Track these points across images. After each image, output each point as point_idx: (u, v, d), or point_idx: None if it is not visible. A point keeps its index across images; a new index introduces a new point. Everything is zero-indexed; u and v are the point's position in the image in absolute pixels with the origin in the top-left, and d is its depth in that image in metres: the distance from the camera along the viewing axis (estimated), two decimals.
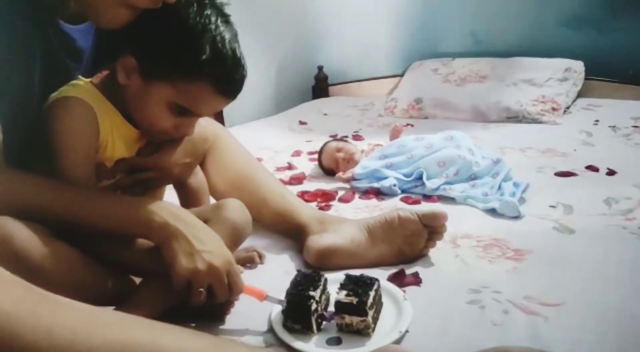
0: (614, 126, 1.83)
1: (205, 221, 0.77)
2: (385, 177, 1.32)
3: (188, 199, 0.94)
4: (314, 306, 0.74)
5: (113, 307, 0.73)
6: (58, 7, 0.74)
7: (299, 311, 0.74)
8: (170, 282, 0.72)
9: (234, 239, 0.84)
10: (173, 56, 0.73)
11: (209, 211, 0.85)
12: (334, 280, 0.82)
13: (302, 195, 1.29)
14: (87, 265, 0.72)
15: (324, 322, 0.77)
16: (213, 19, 0.74)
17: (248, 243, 1.01)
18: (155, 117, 0.77)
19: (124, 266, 0.77)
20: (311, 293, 0.75)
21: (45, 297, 0.51)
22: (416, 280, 0.87)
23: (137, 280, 0.79)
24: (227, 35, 0.75)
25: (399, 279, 0.87)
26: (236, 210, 0.85)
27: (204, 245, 0.72)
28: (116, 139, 0.79)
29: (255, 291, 0.78)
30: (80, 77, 0.79)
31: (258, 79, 2.45)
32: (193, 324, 0.77)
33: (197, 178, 0.95)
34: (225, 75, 0.75)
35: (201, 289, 0.72)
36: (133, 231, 0.74)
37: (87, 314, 0.51)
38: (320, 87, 2.75)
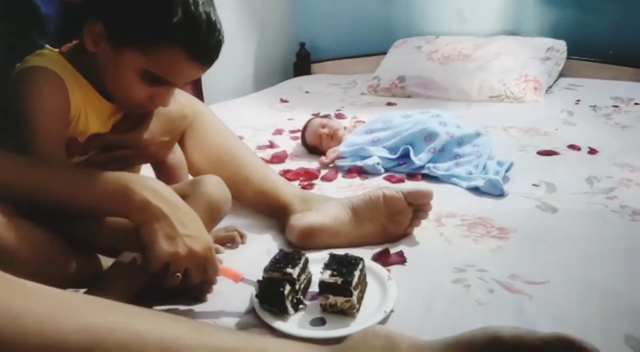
0: (594, 106, 1.84)
1: (183, 197, 0.74)
2: (369, 156, 1.30)
3: (166, 176, 0.90)
4: (287, 289, 0.72)
5: (84, 289, 0.70)
6: None
7: (272, 295, 0.72)
8: (146, 263, 0.69)
9: (212, 215, 0.81)
10: (142, 20, 0.69)
11: (186, 187, 0.82)
12: (317, 259, 0.81)
13: (284, 174, 1.26)
14: (53, 243, 0.68)
15: (307, 303, 0.75)
16: None
17: (228, 222, 0.98)
18: (128, 86, 0.73)
19: (95, 246, 0.74)
20: (288, 270, 0.74)
21: (10, 281, 0.48)
22: (401, 259, 0.86)
23: (106, 260, 0.76)
24: None
25: (383, 258, 0.85)
26: (215, 185, 0.82)
27: (186, 229, 0.69)
28: (89, 112, 0.75)
29: (230, 272, 0.76)
30: (47, 46, 0.74)
31: (238, 56, 2.39)
32: (173, 306, 0.74)
33: (175, 155, 0.91)
34: (198, 40, 0.71)
35: (178, 274, 0.69)
36: (110, 210, 0.69)
37: (58, 298, 0.49)
38: (302, 64, 2.70)
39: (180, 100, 0.84)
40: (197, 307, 0.76)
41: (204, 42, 0.72)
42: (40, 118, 0.69)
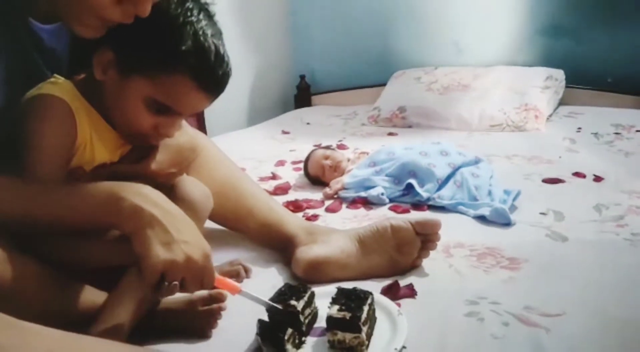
0: (596, 133, 1.84)
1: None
2: (374, 186, 1.29)
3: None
4: (287, 334, 0.69)
5: (85, 328, 0.68)
6: (30, 6, 0.69)
7: (273, 337, 0.69)
8: (141, 276, 0.64)
9: (195, 214, 0.78)
10: (152, 47, 0.69)
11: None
12: (324, 293, 0.78)
13: (288, 205, 1.24)
14: (53, 277, 0.66)
15: (313, 339, 0.73)
16: (195, 12, 0.71)
17: (233, 255, 0.97)
18: (133, 115, 0.72)
19: (92, 267, 0.71)
20: (292, 302, 0.72)
21: (12, 324, 0.47)
22: (411, 292, 0.83)
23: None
24: (209, 30, 0.72)
25: (393, 292, 0.83)
26: (192, 185, 0.81)
27: (181, 234, 0.64)
28: (96, 141, 0.74)
29: (228, 284, 0.72)
30: (56, 76, 0.74)
31: (240, 88, 2.41)
32: (176, 343, 0.72)
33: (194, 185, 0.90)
34: (206, 69, 0.71)
35: (175, 283, 0.64)
36: (102, 221, 0.64)
37: (59, 340, 0.47)
38: (303, 96, 2.72)
39: (189, 132, 0.83)
40: (201, 345, 0.73)
41: (211, 72, 0.72)
42: (44, 144, 0.68)
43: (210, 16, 0.74)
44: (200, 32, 0.70)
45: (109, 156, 0.77)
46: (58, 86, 0.72)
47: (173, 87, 0.71)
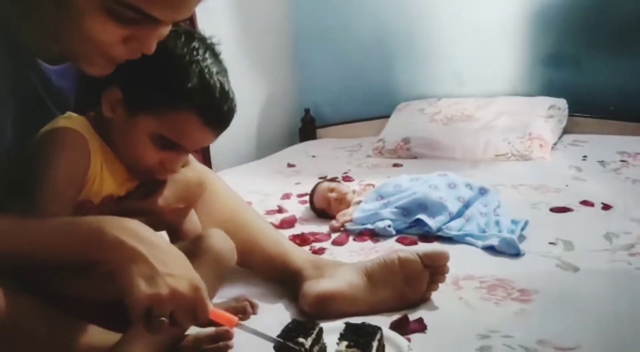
0: (602, 161, 1.84)
1: (187, 255, 0.72)
2: (382, 219, 1.28)
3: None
4: None
5: None
6: (39, 48, 0.71)
7: None
8: (128, 312, 0.62)
9: (219, 268, 0.79)
10: (159, 85, 0.71)
11: (190, 243, 0.80)
12: (333, 329, 0.77)
13: (294, 239, 1.24)
14: (57, 318, 0.66)
15: None
16: (201, 51, 0.73)
17: (239, 291, 0.96)
18: (140, 151, 0.74)
19: (87, 300, 0.70)
20: (300, 340, 0.70)
21: None
22: (421, 326, 0.81)
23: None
24: (214, 68, 0.73)
25: (402, 326, 0.81)
26: (220, 239, 0.81)
27: (167, 267, 0.62)
28: (106, 174, 0.75)
29: (224, 317, 0.69)
30: (70, 113, 0.76)
31: (245, 122, 2.44)
32: None
33: (192, 222, 0.90)
34: (212, 105, 0.72)
35: (163, 318, 0.62)
36: (85, 255, 0.63)
37: None
38: (308, 129, 2.75)
39: (197, 167, 0.84)
40: None
41: (217, 108, 0.73)
42: (59, 175, 0.69)
43: (215, 55, 0.75)
44: (206, 70, 0.72)
45: (117, 189, 0.77)
46: (72, 120, 0.73)
47: (179, 123, 0.72)
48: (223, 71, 0.75)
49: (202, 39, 0.75)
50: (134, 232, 0.64)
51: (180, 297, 0.62)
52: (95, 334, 0.71)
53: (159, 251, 0.64)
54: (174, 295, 0.62)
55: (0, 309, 0.59)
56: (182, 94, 0.70)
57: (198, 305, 0.64)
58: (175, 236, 0.89)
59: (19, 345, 0.54)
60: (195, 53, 0.72)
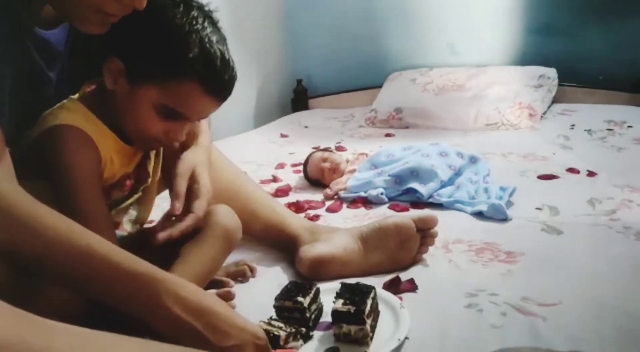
0: (589, 130, 1.87)
1: (196, 229, 0.74)
2: (374, 187, 1.32)
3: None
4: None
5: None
6: (33, 12, 0.71)
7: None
8: None
9: (227, 244, 0.82)
10: (160, 55, 0.72)
11: None
12: (329, 290, 0.81)
13: (289, 206, 1.27)
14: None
15: (320, 333, 0.75)
16: (200, 20, 0.73)
17: (238, 256, 0.99)
18: (144, 122, 0.75)
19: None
20: (299, 299, 0.74)
21: (34, 321, 0.48)
22: (412, 286, 0.86)
23: None
24: (214, 37, 0.74)
25: (394, 287, 0.86)
26: (227, 214, 0.83)
27: (227, 340, 0.59)
28: (114, 156, 0.77)
29: None
30: (71, 97, 0.76)
31: (238, 94, 2.42)
32: None
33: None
34: (213, 74, 0.74)
35: None
36: (136, 314, 0.60)
37: (82, 337, 0.48)
38: (300, 100, 2.75)
39: (204, 128, 0.85)
40: None
41: (218, 77, 0.75)
42: (78, 175, 0.70)
43: (214, 23, 0.76)
44: (206, 40, 0.73)
45: (126, 167, 0.79)
46: (72, 114, 0.73)
47: (182, 93, 0.73)
48: (222, 40, 0.76)
49: (200, 8, 0.75)
50: (190, 302, 0.60)
51: None
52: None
53: (217, 320, 0.60)
54: None
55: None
56: (183, 63, 0.71)
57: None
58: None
59: None
60: (194, 22, 0.72)
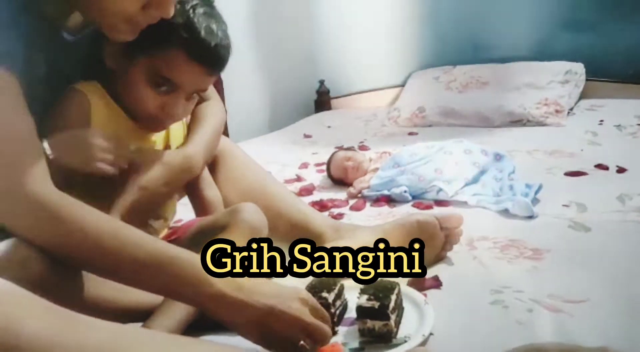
0: (619, 125, 1.83)
1: (222, 227, 0.76)
2: (398, 185, 1.32)
3: (203, 211, 0.93)
4: None
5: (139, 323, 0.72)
6: (62, 19, 0.75)
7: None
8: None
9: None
10: (149, 29, 0.74)
11: (225, 216, 0.85)
12: (353, 287, 0.82)
13: (313, 205, 1.28)
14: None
15: (344, 329, 0.76)
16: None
17: None
18: (141, 97, 0.79)
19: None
20: (324, 295, 0.75)
21: (69, 316, 0.50)
22: (436, 283, 0.86)
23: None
24: (201, 9, 0.77)
25: (419, 283, 0.86)
26: (252, 212, 0.85)
27: (271, 297, 0.63)
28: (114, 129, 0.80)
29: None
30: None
31: (261, 95, 2.46)
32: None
33: (212, 191, 0.95)
34: (197, 40, 0.77)
35: (301, 342, 0.63)
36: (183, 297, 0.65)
37: (114, 332, 0.50)
38: (323, 100, 2.76)
39: (216, 97, 0.88)
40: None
41: (202, 43, 0.77)
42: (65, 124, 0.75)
43: (208, 3, 0.80)
44: (191, 11, 0.77)
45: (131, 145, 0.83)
46: (84, 85, 0.80)
47: (170, 61, 0.77)
48: (210, 14, 0.79)
49: None
50: (230, 279, 0.64)
51: (294, 321, 0.63)
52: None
53: (258, 286, 0.64)
54: (289, 322, 0.63)
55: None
56: (167, 32, 0.75)
57: (316, 309, 0.67)
58: (197, 203, 0.94)
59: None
60: None
